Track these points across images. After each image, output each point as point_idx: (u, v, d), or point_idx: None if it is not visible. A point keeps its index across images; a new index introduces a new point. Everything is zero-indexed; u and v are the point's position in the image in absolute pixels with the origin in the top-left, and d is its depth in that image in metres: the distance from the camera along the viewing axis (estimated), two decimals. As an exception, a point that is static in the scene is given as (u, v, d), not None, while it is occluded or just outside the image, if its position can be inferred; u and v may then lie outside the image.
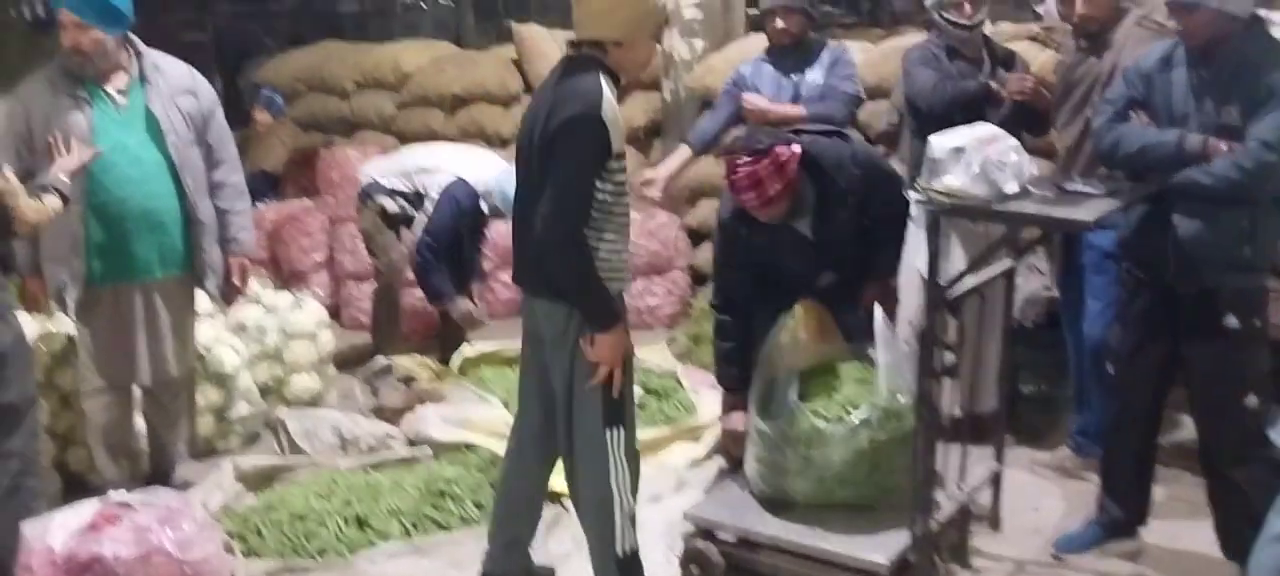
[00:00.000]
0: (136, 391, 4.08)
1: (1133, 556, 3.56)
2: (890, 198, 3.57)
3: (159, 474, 4.12)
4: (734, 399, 3.63)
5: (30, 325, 4.03)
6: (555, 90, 2.93)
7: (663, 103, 6.48)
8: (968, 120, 3.49)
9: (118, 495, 3.29)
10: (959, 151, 3.03)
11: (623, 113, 3.02)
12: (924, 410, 3.16)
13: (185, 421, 4.18)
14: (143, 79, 3.85)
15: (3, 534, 3.13)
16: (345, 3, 11.04)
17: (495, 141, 6.74)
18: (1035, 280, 4.67)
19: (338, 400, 4.97)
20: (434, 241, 4.94)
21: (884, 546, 3.17)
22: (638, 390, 3.83)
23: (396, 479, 3.90)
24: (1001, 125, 3.45)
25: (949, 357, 3.25)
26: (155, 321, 3.92)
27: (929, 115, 4.03)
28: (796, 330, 3.42)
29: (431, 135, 6.76)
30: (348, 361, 5.29)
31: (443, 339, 5.30)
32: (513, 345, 4.98)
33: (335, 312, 5.99)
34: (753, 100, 4.43)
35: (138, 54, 3.86)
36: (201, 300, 4.23)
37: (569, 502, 3.41)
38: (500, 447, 4.06)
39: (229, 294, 4.35)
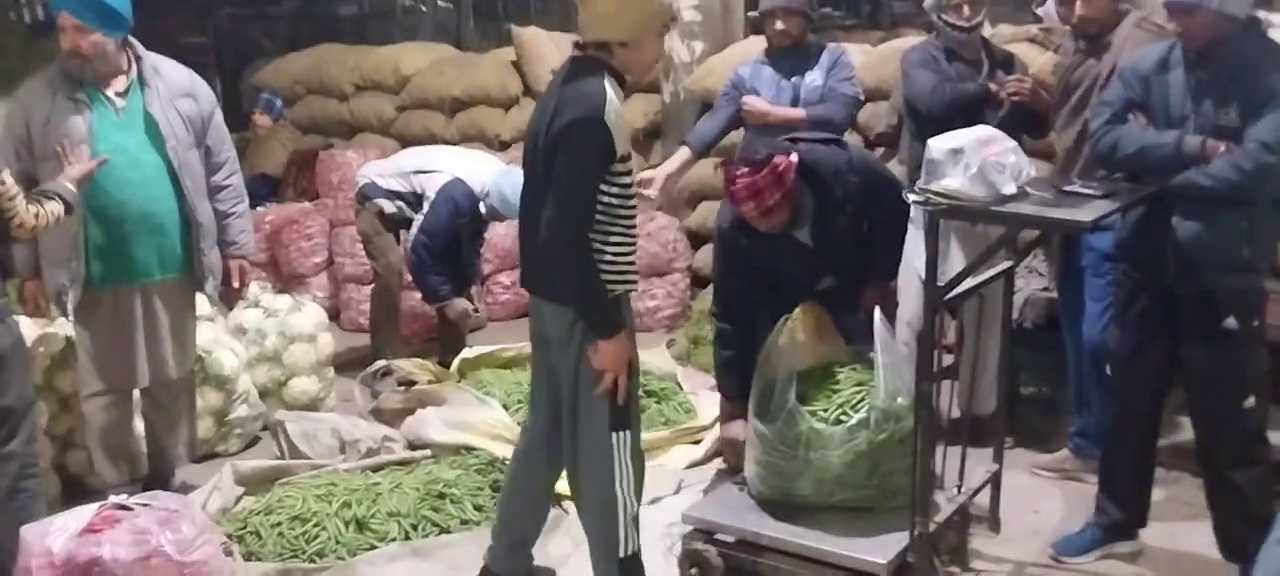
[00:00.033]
0: (136, 394, 4.08)
1: (1132, 558, 3.56)
2: (889, 203, 3.57)
3: (158, 476, 4.12)
4: (734, 408, 3.63)
5: (30, 327, 4.03)
6: (560, 93, 2.92)
7: (662, 105, 6.49)
8: (967, 122, 3.50)
9: (117, 497, 3.29)
10: (957, 153, 3.04)
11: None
12: (923, 411, 3.16)
13: (185, 424, 4.18)
14: (142, 82, 3.85)
15: (2, 536, 3.14)
16: (345, 6, 11.04)
17: (495, 144, 6.76)
18: (1034, 282, 4.69)
19: (337, 403, 4.98)
20: (430, 241, 4.94)
21: (883, 548, 3.17)
22: (637, 392, 3.83)
23: (396, 481, 3.90)
24: (1000, 127, 3.45)
25: (948, 359, 3.25)
26: (155, 324, 3.92)
27: (928, 117, 4.03)
28: (795, 332, 3.43)
29: (431, 138, 6.78)
30: (347, 364, 5.29)
31: (442, 341, 5.30)
32: (512, 347, 5.01)
33: (335, 315, 5.99)
34: (753, 103, 4.43)
35: (137, 57, 3.87)
36: (201, 303, 4.24)
37: (569, 504, 3.42)
38: (500, 450, 4.07)
39: (228, 296, 4.36)
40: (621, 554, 3.07)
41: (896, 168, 4.48)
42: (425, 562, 3.56)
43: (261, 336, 4.83)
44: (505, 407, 4.39)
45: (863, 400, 3.29)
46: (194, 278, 4.00)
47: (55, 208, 3.38)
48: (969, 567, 3.53)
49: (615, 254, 2.93)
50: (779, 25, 4.43)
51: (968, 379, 4.16)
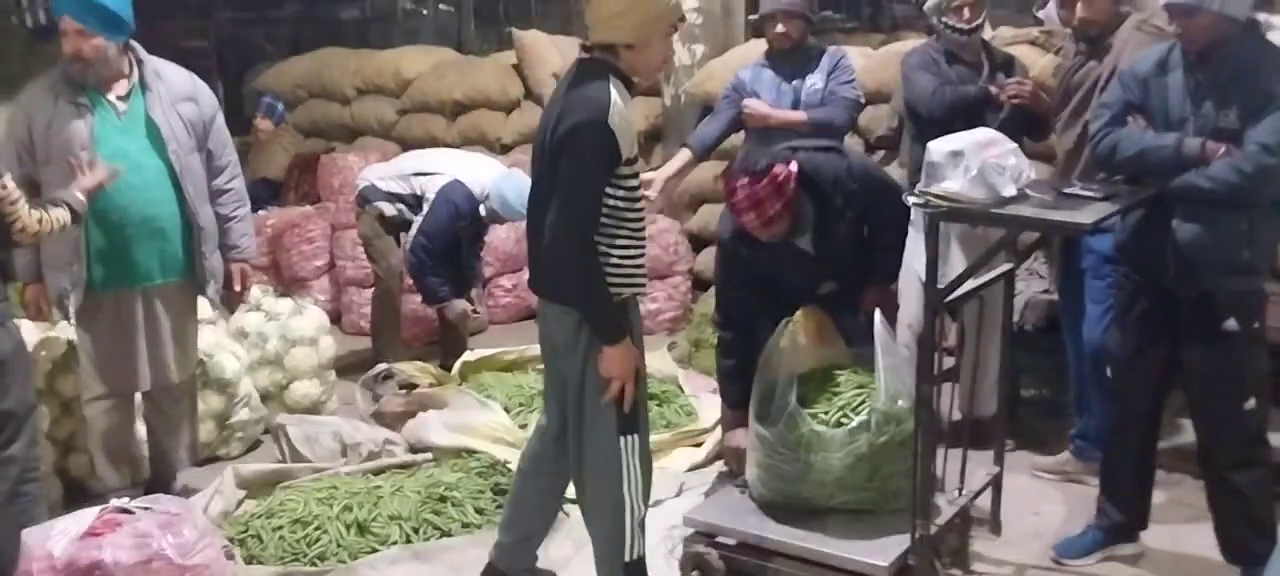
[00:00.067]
0: (138, 398, 4.08)
1: (1133, 560, 3.56)
2: (889, 208, 3.57)
3: (160, 480, 4.12)
4: (737, 415, 3.63)
5: (31, 331, 4.04)
6: (565, 97, 2.92)
7: (663, 108, 6.50)
8: (968, 125, 3.50)
9: (119, 501, 3.29)
10: (957, 155, 3.04)
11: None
12: (923, 414, 3.16)
13: (186, 427, 4.18)
14: (143, 86, 3.85)
15: (3, 540, 3.13)
16: (346, 9, 11.05)
17: (496, 147, 6.76)
18: (1035, 284, 4.69)
19: (338, 406, 4.98)
20: (429, 242, 4.95)
21: (884, 550, 3.17)
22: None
23: (397, 484, 3.90)
24: (1001, 129, 3.45)
25: (949, 362, 3.25)
26: (156, 327, 3.93)
27: (928, 120, 4.04)
28: (796, 334, 3.43)
29: (432, 141, 6.78)
30: (349, 367, 5.29)
31: (443, 344, 5.30)
32: (514, 350, 5.02)
33: (336, 318, 6.00)
34: (753, 105, 4.44)
35: (139, 61, 3.87)
36: (202, 306, 4.24)
37: (570, 507, 3.41)
38: (501, 453, 4.08)
39: (230, 300, 4.36)
40: (627, 558, 3.06)
41: (897, 170, 4.48)
42: (427, 565, 3.56)
43: (263, 340, 4.84)
44: (506, 410, 4.40)
45: (863, 403, 3.29)
46: (195, 281, 4.01)
47: (61, 214, 3.38)
48: (970, 570, 3.53)
49: (622, 257, 2.92)
50: (779, 28, 4.44)
51: (968, 381, 4.17)
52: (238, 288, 4.18)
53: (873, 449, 3.23)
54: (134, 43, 3.86)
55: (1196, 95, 3.16)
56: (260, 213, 6.21)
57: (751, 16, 6.13)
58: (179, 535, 3.15)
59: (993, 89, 4.11)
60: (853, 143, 5.26)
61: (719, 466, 4.15)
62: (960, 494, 3.47)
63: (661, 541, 3.61)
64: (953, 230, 3.96)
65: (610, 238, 2.89)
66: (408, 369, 4.93)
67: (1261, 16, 3.30)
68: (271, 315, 4.93)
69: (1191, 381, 3.33)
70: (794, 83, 4.45)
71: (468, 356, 4.94)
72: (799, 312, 3.46)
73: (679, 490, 4.04)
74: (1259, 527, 3.29)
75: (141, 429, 4.17)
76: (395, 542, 3.64)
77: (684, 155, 4.61)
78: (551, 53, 6.88)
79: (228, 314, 4.81)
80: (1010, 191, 3.07)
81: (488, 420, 4.27)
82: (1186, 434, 3.88)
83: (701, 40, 6.29)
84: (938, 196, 3.06)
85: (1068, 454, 4.12)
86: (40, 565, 3.06)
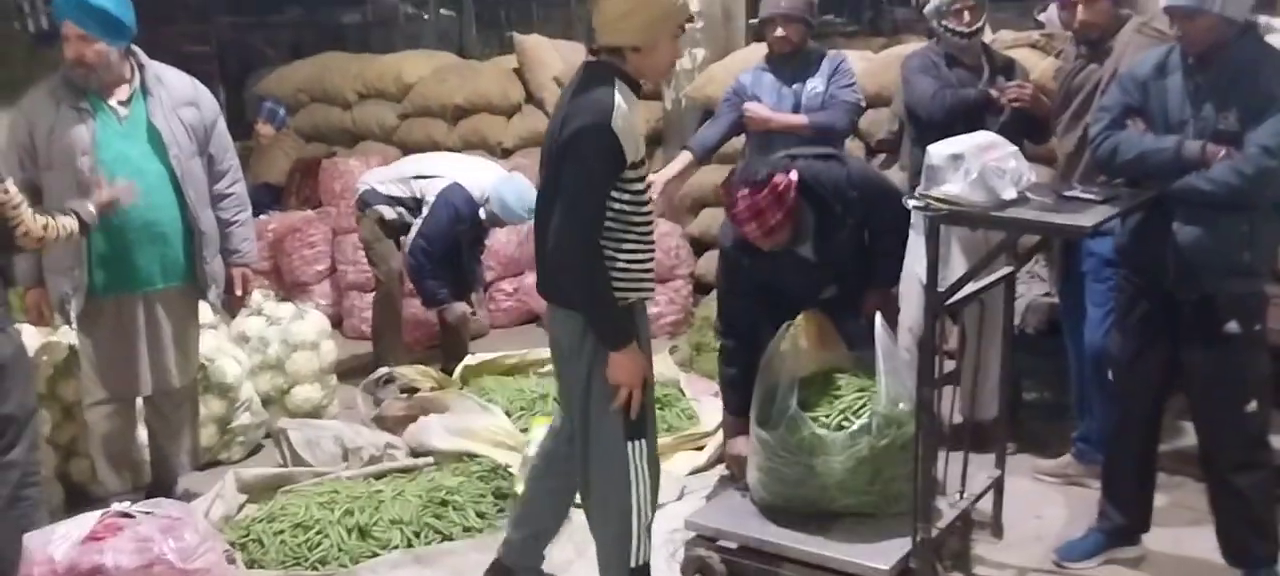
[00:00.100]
0: (139, 402, 4.08)
1: (1135, 563, 3.55)
2: (889, 213, 3.57)
3: (161, 484, 4.12)
4: (739, 423, 3.63)
5: (33, 336, 4.04)
6: (571, 101, 2.91)
7: (664, 112, 6.50)
8: (968, 128, 3.50)
9: (120, 505, 3.29)
10: (957, 158, 3.04)
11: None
12: (925, 417, 3.16)
13: (188, 432, 4.19)
14: (145, 91, 3.86)
15: (4, 544, 3.13)
16: (348, 14, 11.06)
17: (497, 151, 6.77)
18: (1036, 287, 4.69)
19: (340, 410, 4.98)
20: (428, 245, 4.95)
21: (885, 554, 3.17)
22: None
23: (398, 488, 3.91)
24: (1001, 132, 3.46)
25: (950, 365, 3.25)
26: (157, 332, 3.93)
27: (929, 123, 4.04)
28: (797, 338, 3.43)
29: (434, 145, 6.79)
30: (350, 371, 5.30)
31: (444, 348, 5.31)
32: (515, 354, 5.02)
33: (337, 323, 6.00)
34: (754, 109, 4.44)
35: (140, 66, 3.88)
36: (204, 311, 4.24)
37: (574, 510, 3.41)
38: (502, 457, 4.08)
39: (231, 305, 4.37)
40: (633, 564, 3.05)
41: (897, 174, 4.48)
42: (428, 570, 3.56)
43: (264, 344, 4.84)
44: (508, 414, 4.40)
45: (864, 406, 3.30)
46: (197, 286, 4.01)
47: (69, 222, 3.38)
48: (971, 573, 3.53)
49: (628, 261, 2.91)
50: (779, 32, 4.44)
51: (969, 384, 4.17)
52: (239, 292, 4.19)
53: (874, 452, 3.23)
54: (135, 48, 3.87)
55: (1196, 98, 3.16)
56: (261, 217, 6.21)
57: (752, 20, 6.13)
58: (180, 539, 3.15)
59: (993, 92, 4.11)
60: (853, 146, 5.26)
61: (721, 470, 4.15)
62: (962, 497, 3.47)
63: (663, 544, 3.60)
64: (953, 233, 3.96)
65: (616, 241, 2.88)
66: (409, 373, 4.93)
67: (1262, 19, 3.29)
68: (273, 319, 4.93)
69: (1192, 384, 3.33)
70: (794, 87, 4.46)
71: (469, 360, 4.94)
72: (800, 316, 3.46)
73: (681, 493, 4.04)
74: (1261, 530, 3.29)
75: (143, 433, 4.18)
76: (396, 546, 3.65)
77: (685, 158, 4.61)
78: (552, 57, 6.89)
79: (229, 318, 4.82)
80: (1010, 194, 3.07)
81: (489, 424, 4.27)
82: (1188, 436, 3.87)
83: (702, 44, 6.29)
84: (938, 199, 3.06)
85: (1069, 457, 4.11)
86: (41, 569, 3.06)
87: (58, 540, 3.11)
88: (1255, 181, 3.06)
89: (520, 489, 3.94)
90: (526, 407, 4.52)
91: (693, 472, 4.23)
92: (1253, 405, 3.22)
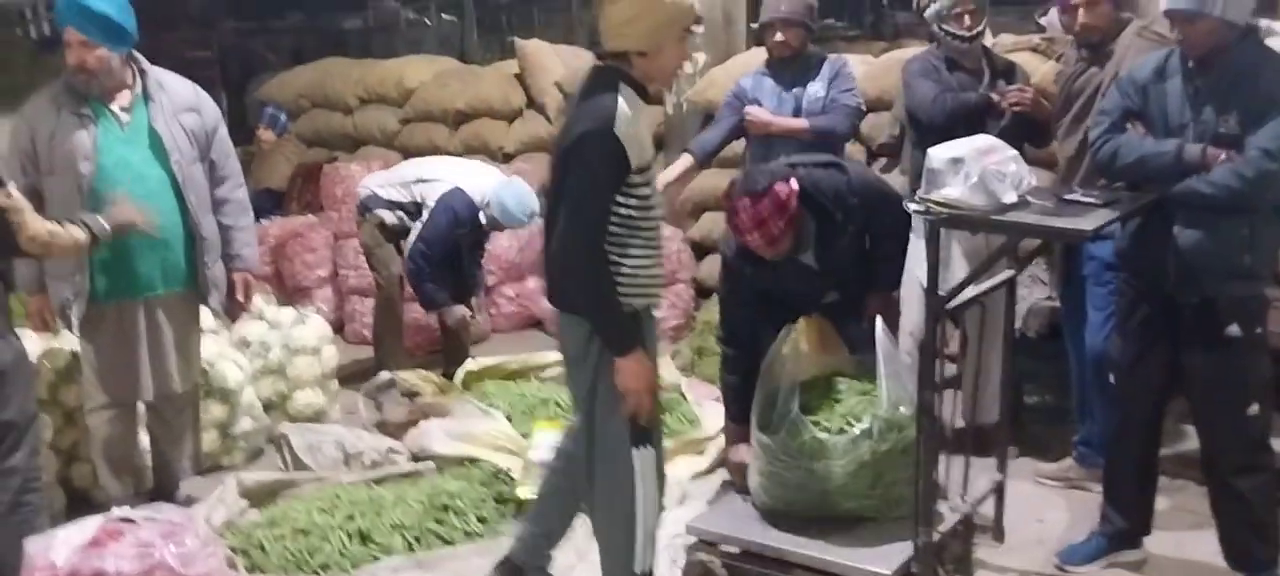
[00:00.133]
0: (141, 407, 4.09)
1: (1137, 567, 3.55)
2: (890, 218, 3.57)
3: (162, 489, 4.13)
4: (740, 431, 3.63)
5: (34, 342, 4.04)
6: (577, 107, 2.92)
7: (665, 116, 6.50)
8: (969, 132, 3.50)
9: (121, 511, 3.30)
10: (957, 162, 3.04)
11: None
12: (926, 421, 3.16)
13: (189, 437, 4.19)
14: (146, 97, 3.87)
15: (5, 550, 3.14)
16: (349, 19, 11.09)
17: (498, 156, 6.77)
18: (1038, 291, 4.68)
19: (341, 415, 4.98)
20: (428, 249, 4.95)
21: (887, 558, 3.17)
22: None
23: (400, 493, 3.90)
24: (1002, 136, 3.46)
25: (951, 368, 3.25)
26: (159, 337, 3.93)
27: (929, 127, 4.04)
28: (798, 342, 3.42)
29: (435, 150, 6.79)
30: (351, 376, 5.29)
31: (446, 353, 5.31)
32: (516, 359, 5.01)
33: (339, 328, 6.00)
34: (755, 113, 4.44)
35: (142, 72, 3.88)
36: (205, 316, 4.24)
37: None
38: (504, 462, 4.07)
39: (232, 310, 4.36)
40: (637, 570, 3.04)
41: (898, 178, 4.48)
42: (429, 575, 3.56)
43: (265, 349, 4.84)
44: (509, 419, 4.39)
45: (866, 410, 3.29)
46: (198, 291, 4.01)
47: (78, 232, 3.37)
48: (973, 577, 3.53)
49: (634, 267, 2.89)
50: (778, 37, 4.45)
51: (971, 388, 4.17)
52: (240, 297, 4.18)
53: (875, 456, 3.23)
54: (137, 53, 3.88)
55: (1196, 101, 3.16)
56: (263, 222, 6.22)
57: (753, 24, 6.14)
58: (181, 544, 3.16)
59: (994, 96, 4.11)
60: (854, 150, 5.26)
61: (722, 474, 4.14)
62: (963, 501, 3.47)
63: (664, 549, 3.59)
64: (955, 236, 3.96)
65: (622, 247, 2.87)
66: (410, 377, 4.93)
67: (1262, 22, 3.29)
68: (274, 324, 4.93)
69: (1194, 387, 3.33)
70: (795, 90, 4.46)
71: (470, 365, 4.93)
72: (801, 320, 3.46)
73: (682, 498, 4.03)
74: (1262, 533, 3.28)
75: (144, 438, 4.18)
76: (398, 552, 3.64)
77: (685, 160, 4.62)
78: (554, 62, 6.89)
79: (230, 323, 4.82)
80: (1011, 198, 3.07)
81: (490, 429, 4.27)
82: (1190, 440, 3.87)
83: (703, 48, 6.29)
84: (938, 203, 3.06)
85: (1071, 460, 4.11)
86: (42, 575, 3.06)
87: (59, 545, 3.11)
88: (1256, 184, 3.07)
89: (521, 493, 3.95)
90: (527, 412, 4.51)
91: (694, 477, 4.22)
92: (1254, 408, 3.22)
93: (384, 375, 5.00)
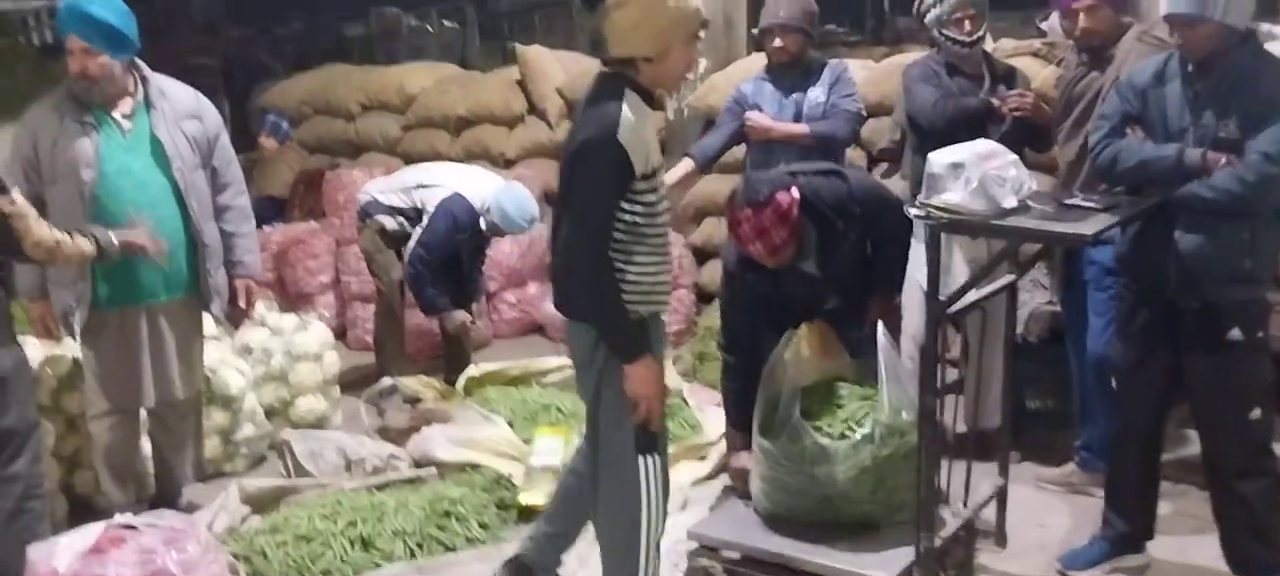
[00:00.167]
0: (143, 414, 4.09)
1: (1139, 571, 3.55)
2: (891, 224, 3.57)
3: (165, 496, 4.13)
4: (742, 436, 3.63)
5: (36, 349, 4.05)
6: (582, 113, 2.91)
7: (666, 122, 6.50)
8: (969, 137, 3.50)
9: (123, 517, 3.30)
10: (958, 167, 3.04)
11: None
12: (927, 426, 3.16)
13: (191, 444, 4.19)
14: (148, 104, 3.87)
15: (7, 557, 3.15)
16: (351, 26, 11.11)
17: (500, 162, 6.78)
18: (1039, 296, 4.68)
19: (343, 421, 4.98)
20: (428, 254, 4.96)
21: (888, 563, 3.16)
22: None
23: (402, 500, 3.90)
24: (1003, 141, 3.46)
25: (953, 373, 3.24)
26: (161, 344, 3.94)
27: (930, 132, 4.04)
28: (800, 347, 3.42)
29: (436, 156, 6.79)
30: (353, 383, 5.30)
31: (447, 359, 5.31)
32: (518, 365, 5.02)
33: (341, 334, 6.00)
34: (756, 118, 4.44)
35: (143, 79, 3.89)
36: (207, 323, 4.25)
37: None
38: (505, 467, 4.08)
39: (235, 316, 4.37)
40: None
41: (899, 183, 4.49)
42: (431, 580, 3.56)
43: (267, 355, 4.85)
44: (511, 425, 4.40)
45: (867, 415, 3.29)
46: (200, 298, 4.02)
47: (85, 244, 3.37)
48: (975, 582, 3.53)
49: (640, 273, 2.88)
50: (778, 42, 4.45)
51: (972, 393, 4.17)
52: (243, 304, 4.19)
53: (877, 461, 3.23)
54: (139, 61, 3.88)
55: (1196, 105, 3.17)
56: (265, 229, 6.22)
57: (753, 30, 6.15)
58: (183, 551, 3.16)
59: (994, 101, 4.11)
60: (855, 155, 5.27)
61: (724, 479, 4.14)
62: (965, 506, 3.46)
63: (665, 555, 3.58)
64: (955, 241, 3.96)
65: (627, 253, 2.86)
66: (412, 383, 4.94)
67: (1262, 27, 3.30)
68: (276, 331, 4.94)
69: (1195, 392, 3.32)
70: (795, 96, 4.47)
71: (472, 371, 4.94)
72: (802, 326, 3.46)
73: (684, 504, 4.03)
74: (1264, 537, 3.28)
75: (146, 445, 4.18)
76: (400, 558, 3.65)
77: (686, 165, 4.62)
78: (555, 68, 6.90)
79: (232, 330, 4.82)
80: (1011, 203, 3.07)
81: (492, 434, 4.27)
82: (1192, 444, 3.86)
83: (704, 54, 6.29)
84: (939, 208, 3.06)
85: (1072, 465, 4.11)
86: (45, 581, 3.07)
87: (61, 552, 3.11)
88: (1257, 188, 3.07)
89: (523, 499, 3.95)
90: (529, 418, 4.51)
91: (696, 483, 4.22)
92: (1256, 412, 3.22)
93: (386, 381, 5.01)
